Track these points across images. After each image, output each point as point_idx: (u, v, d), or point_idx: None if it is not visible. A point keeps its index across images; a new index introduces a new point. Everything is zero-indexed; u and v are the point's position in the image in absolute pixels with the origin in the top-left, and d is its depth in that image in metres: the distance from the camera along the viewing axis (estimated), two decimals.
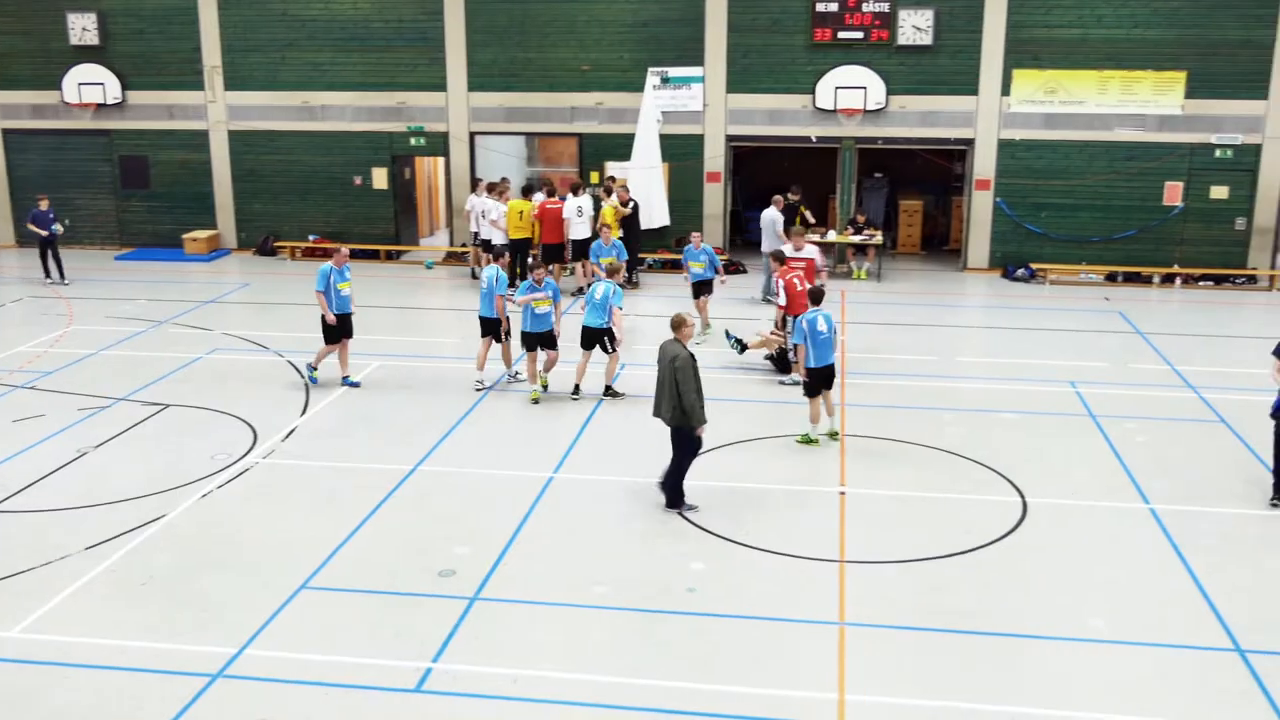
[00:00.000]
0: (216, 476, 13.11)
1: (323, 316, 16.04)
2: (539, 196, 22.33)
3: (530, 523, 11.89)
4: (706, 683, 8.98)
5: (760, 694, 8.82)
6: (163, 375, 16.89)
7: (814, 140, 24.57)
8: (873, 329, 19.56)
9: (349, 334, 16.26)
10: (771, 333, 17.40)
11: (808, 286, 15.80)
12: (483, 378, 16.27)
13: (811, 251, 18.09)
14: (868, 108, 23.84)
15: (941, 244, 27.57)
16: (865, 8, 23.63)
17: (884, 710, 8.68)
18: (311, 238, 26.36)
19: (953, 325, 20.66)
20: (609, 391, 15.87)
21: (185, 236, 26.46)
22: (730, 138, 24.87)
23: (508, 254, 17.70)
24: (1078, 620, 9.97)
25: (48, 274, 23.06)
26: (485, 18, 24.89)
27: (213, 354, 18.10)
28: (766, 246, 21.35)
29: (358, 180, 26.21)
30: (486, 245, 22.69)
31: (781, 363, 16.82)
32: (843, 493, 12.72)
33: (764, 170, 27.38)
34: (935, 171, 27.66)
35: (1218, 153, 23.40)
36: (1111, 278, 23.95)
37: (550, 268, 17.57)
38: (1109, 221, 24.00)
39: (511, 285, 16.43)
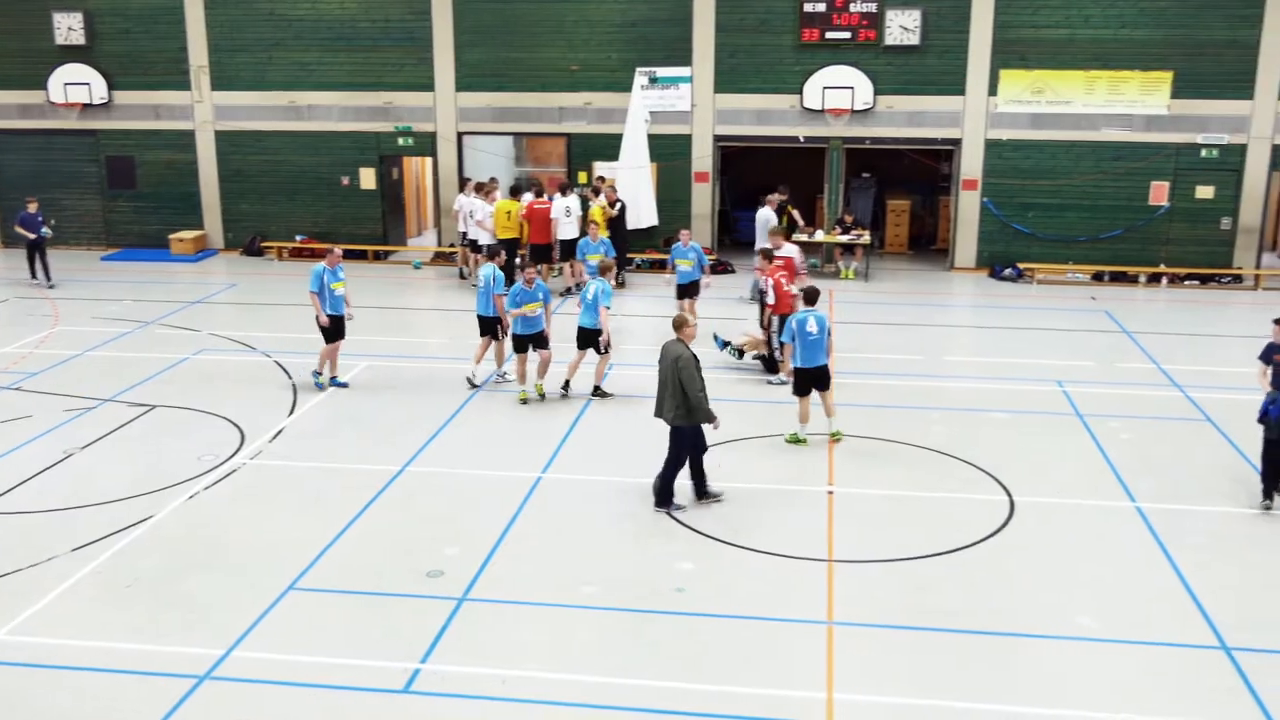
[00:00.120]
0: (203, 478, 13.07)
1: (317, 318, 15.97)
2: (527, 197, 22.32)
3: (518, 523, 11.88)
4: (695, 683, 8.98)
5: (749, 693, 8.83)
6: (149, 376, 16.84)
7: (802, 140, 24.60)
8: (860, 329, 19.58)
9: (340, 336, 16.20)
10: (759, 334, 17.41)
11: (794, 287, 15.86)
12: (476, 371, 16.29)
13: (790, 250, 18.10)
14: (855, 108, 23.87)
15: (929, 244, 27.62)
16: (852, 8, 23.66)
17: (873, 709, 8.70)
18: (299, 238, 26.31)
19: (940, 325, 20.70)
20: (597, 392, 15.86)
21: (172, 237, 26.38)
22: (718, 138, 24.88)
23: (504, 252, 17.68)
24: (1065, 618, 10.00)
25: (34, 274, 22.96)
26: (473, 17, 24.87)
27: (199, 355, 18.04)
28: (761, 246, 21.41)
29: (345, 180, 26.16)
30: (474, 245, 22.74)
31: (770, 362, 16.84)
32: (831, 492, 12.73)
33: (752, 170, 27.41)
34: (923, 171, 27.71)
35: (1203, 152, 23.49)
36: (1098, 277, 24.03)
37: (539, 268, 17.56)
38: (1095, 221, 24.07)
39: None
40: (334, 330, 16.08)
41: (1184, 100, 23.25)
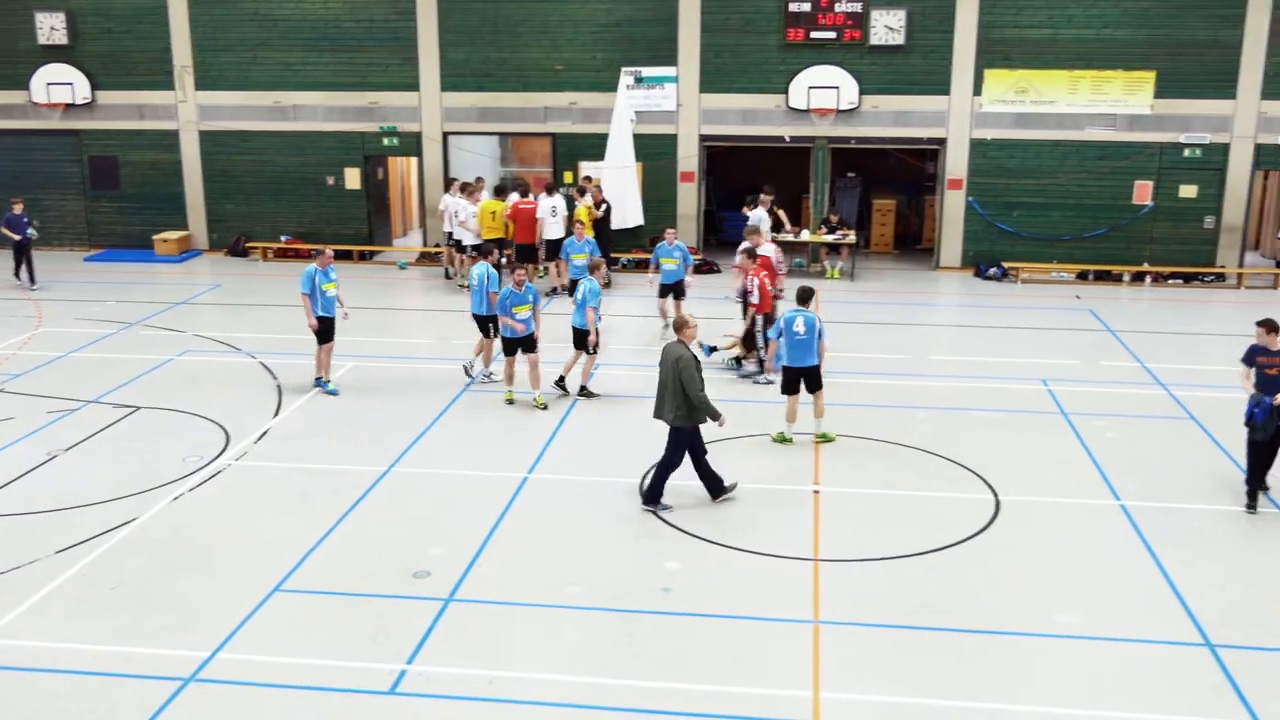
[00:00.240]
0: (188, 479, 13.03)
1: (318, 319, 15.88)
2: (513, 197, 22.31)
3: (505, 523, 11.87)
4: (682, 682, 8.99)
5: (735, 692, 8.84)
6: (134, 377, 16.77)
7: (787, 140, 24.63)
8: (846, 328, 19.60)
9: (330, 338, 16.13)
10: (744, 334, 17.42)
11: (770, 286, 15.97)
12: (474, 362, 16.53)
13: (769, 250, 18.12)
14: (840, 107, 23.91)
15: (914, 243, 27.68)
16: (837, 8, 23.70)
17: (858, 707, 8.72)
18: (284, 238, 26.24)
19: (925, 324, 20.76)
20: (584, 391, 15.86)
21: (156, 237, 26.28)
22: (704, 137, 24.90)
23: (497, 251, 17.69)
24: (1050, 616, 10.04)
25: (18, 275, 22.81)
26: (457, 17, 24.83)
27: (184, 356, 17.98)
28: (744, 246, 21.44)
29: (330, 180, 26.09)
30: (459, 245, 22.73)
31: (761, 363, 16.88)
32: (817, 491, 12.76)
33: (737, 170, 27.43)
34: (908, 171, 27.77)
35: (1186, 152, 23.60)
36: (1082, 276, 24.12)
37: (525, 268, 17.52)
38: (1080, 220, 24.17)
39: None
40: (324, 332, 16.01)
41: (1167, 100, 23.35)
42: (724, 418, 12.08)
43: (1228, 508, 12.31)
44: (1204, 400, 15.78)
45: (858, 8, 23.62)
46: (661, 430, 13.89)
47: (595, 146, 24.44)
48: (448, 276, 23.90)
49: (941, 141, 24.31)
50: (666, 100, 24.65)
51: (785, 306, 15.33)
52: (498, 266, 17.26)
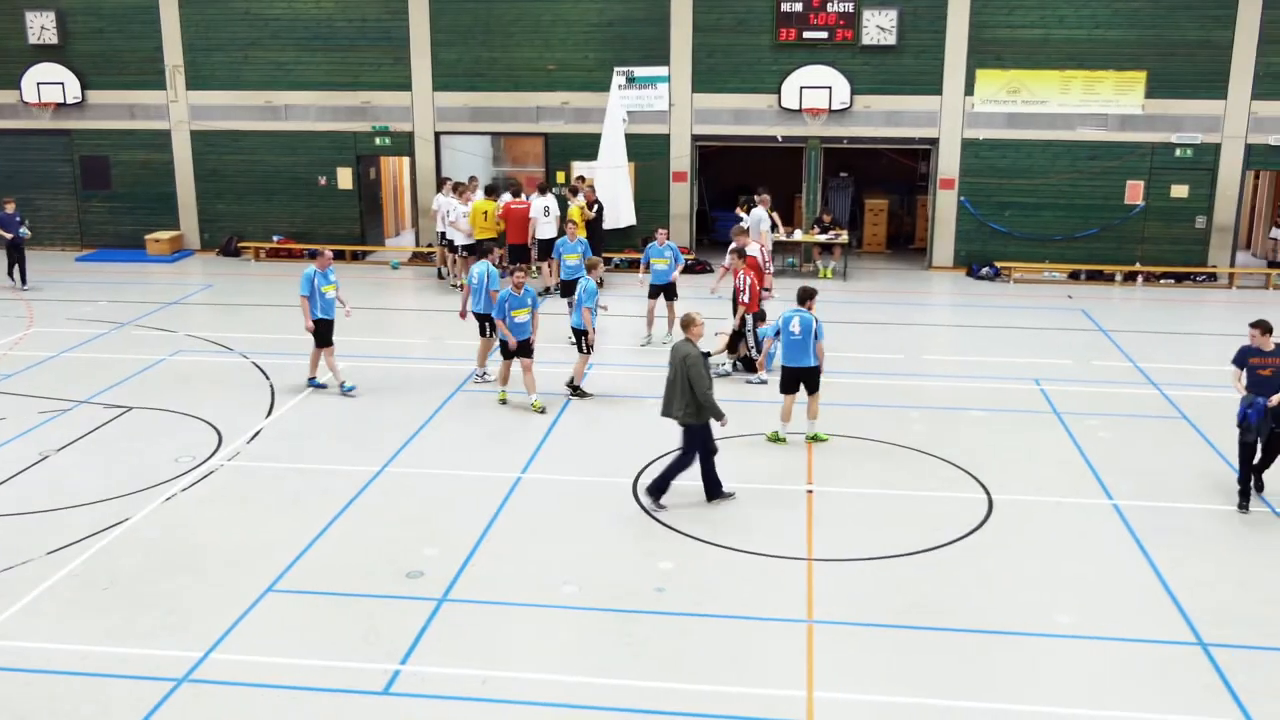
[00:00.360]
0: (181, 479, 13.00)
1: (316, 322, 15.81)
2: (506, 197, 22.30)
3: (498, 523, 11.86)
4: (676, 682, 8.99)
5: (730, 692, 8.84)
6: (126, 377, 16.73)
7: (780, 140, 24.65)
8: (839, 327, 19.59)
9: (329, 341, 16.07)
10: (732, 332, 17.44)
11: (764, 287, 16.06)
12: (486, 369, 16.62)
13: (754, 250, 18.13)
14: (833, 107, 23.94)
15: (907, 243, 27.72)
16: (829, 8, 23.72)
17: (853, 707, 8.72)
18: (276, 238, 26.20)
19: (918, 323, 20.78)
20: (577, 391, 15.85)
21: (148, 237, 26.22)
22: (696, 137, 24.90)
23: (496, 250, 17.69)
24: (1043, 616, 10.05)
25: (11, 275, 22.69)
26: (449, 17, 24.81)
27: (176, 356, 17.94)
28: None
29: (322, 180, 26.05)
30: (452, 245, 22.71)
31: (749, 361, 16.89)
32: (811, 491, 12.76)
33: (729, 170, 27.46)
34: (900, 171, 27.82)
35: (1178, 152, 23.66)
36: (1074, 276, 24.16)
37: (523, 269, 17.49)
38: (1071, 220, 24.21)
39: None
40: (324, 335, 15.95)
41: (1158, 100, 23.41)
42: (726, 418, 12.09)
43: (1220, 506, 12.34)
44: (1196, 400, 15.82)
45: (849, 8, 23.64)
46: (655, 430, 13.94)
47: (588, 146, 24.43)
48: (440, 276, 23.88)
49: (933, 141, 24.34)
50: (659, 100, 24.65)
51: (775, 306, 15.29)
52: (500, 266, 17.25)
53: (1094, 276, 24.12)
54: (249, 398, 15.87)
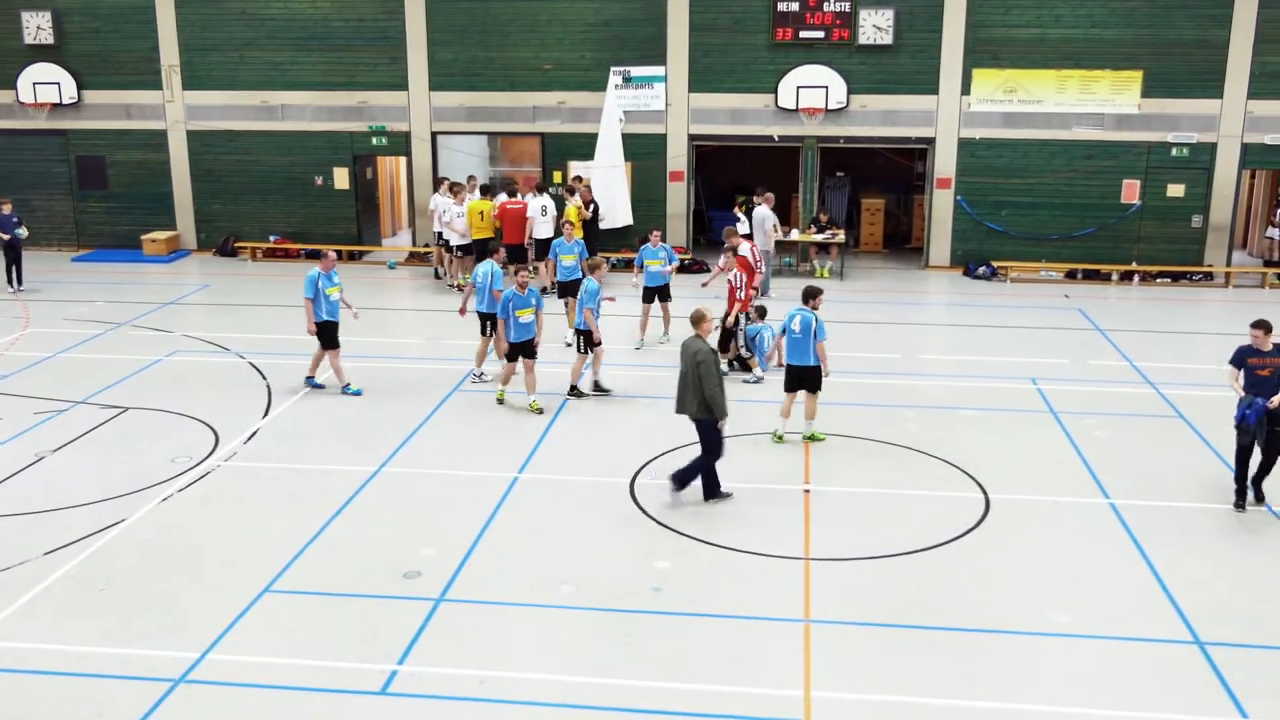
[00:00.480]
0: (177, 480, 12.98)
1: (319, 324, 15.77)
2: (501, 197, 22.29)
3: (496, 523, 11.86)
4: (674, 681, 8.99)
5: (727, 691, 8.85)
6: (122, 378, 16.71)
7: (776, 139, 24.65)
8: (836, 327, 19.56)
9: (335, 343, 16.03)
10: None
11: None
12: (490, 372, 16.52)
13: (744, 249, 18.14)
14: (829, 107, 23.94)
15: (903, 242, 27.72)
16: (826, 7, 23.72)
17: (850, 706, 8.73)
18: (272, 238, 26.18)
19: (915, 323, 20.79)
20: (573, 391, 15.85)
21: (144, 237, 26.19)
22: (693, 137, 24.90)
23: (503, 250, 17.66)
24: (1040, 615, 10.06)
25: (9, 279, 22.59)
26: (446, 16, 24.80)
27: (173, 356, 17.92)
28: (759, 245, 21.53)
29: (319, 180, 26.03)
30: (449, 245, 22.70)
31: (742, 361, 16.94)
32: (807, 491, 12.77)
33: (726, 169, 27.47)
34: (897, 170, 27.83)
35: (1174, 151, 23.68)
36: (1071, 275, 24.18)
37: (527, 269, 17.53)
38: (1068, 219, 24.23)
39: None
40: (330, 337, 15.91)
41: (1154, 99, 23.42)
42: (727, 419, 12.10)
43: (1216, 505, 12.35)
44: (1192, 399, 15.83)
45: (846, 7, 23.65)
46: (653, 430, 13.96)
47: (584, 146, 24.43)
48: (437, 276, 23.87)
49: (930, 141, 24.35)
50: (655, 100, 24.65)
51: (782, 306, 15.28)
52: (504, 266, 17.22)
53: (1090, 276, 24.13)
54: (246, 398, 15.85)
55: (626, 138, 24.05)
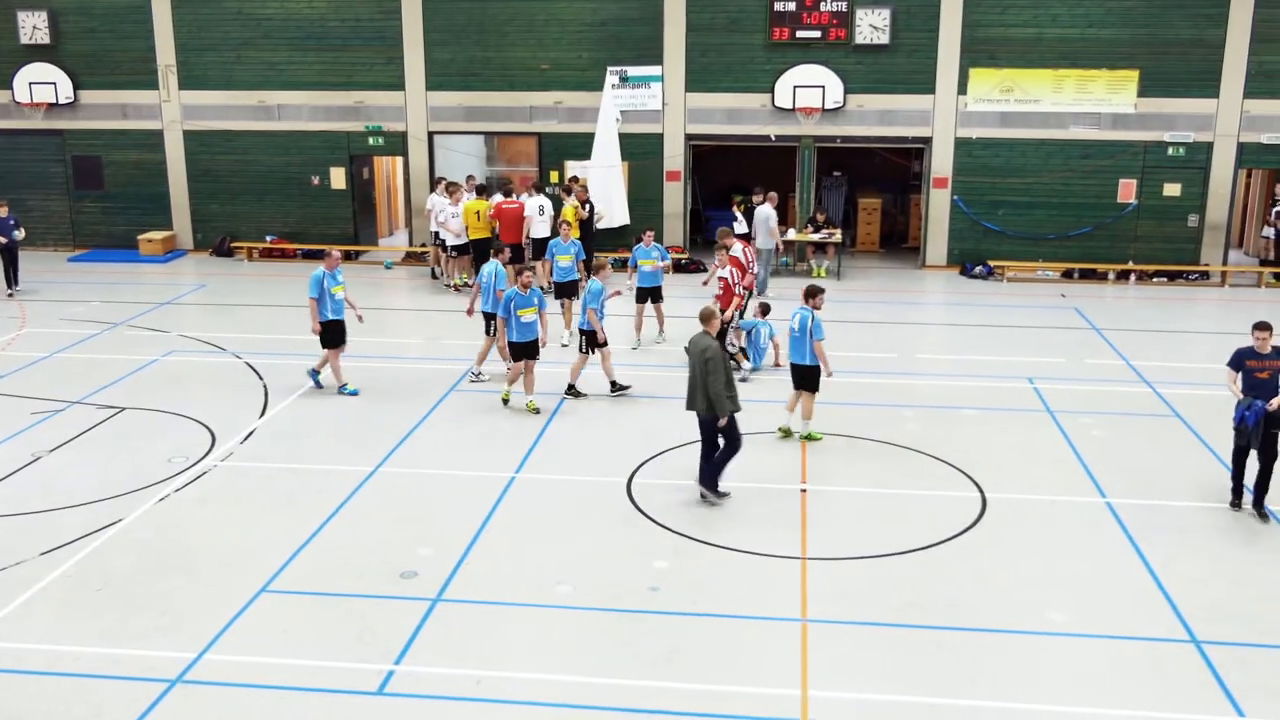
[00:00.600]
0: (174, 480, 12.97)
1: (324, 324, 15.74)
2: (497, 197, 22.28)
3: (493, 523, 11.85)
4: (671, 681, 8.99)
5: (724, 691, 8.84)
6: (118, 378, 16.69)
7: (773, 139, 24.66)
8: (833, 326, 19.56)
9: (342, 341, 16.02)
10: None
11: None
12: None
13: (737, 249, 18.15)
14: (826, 106, 23.95)
15: (900, 242, 27.73)
16: (823, 7, 23.73)
17: (847, 705, 8.72)
18: (269, 238, 26.16)
19: (912, 322, 20.80)
20: (572, 391, 15.85)
21: (140, 237, 26.17)
22: (689, 136, 24.90)
23: (508, 250, 17.64)
24: (1037, 614, 10.07)
25: (8, 282, 22.50)
26: (443, 16, 24.79)
27: (169, 356, 17.90)
28: (761, 243, 21.62)
29: (315, 180, 26.02)
30: (445, 245, 22.69)
31: (733, 358, 16.98)
32: (804, 490, 12.76)
33: (723, 169, 27.47)
34: (893, 170, 27.84)
35: (1170, 150, 23.70)
36: (1068, 274, 24.19)
37: (530, 269, 17.53)
38: (1065, 219, 24.25)
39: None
40: (336, 336, 15.90)
41: (1151, 99, 23.44)
42: (726, 419, 12.07)
43: (1212, 505, 12.35)
44: (1189, 398, 15.84)
45: (843, 7, 23.66)
46: (651, 430, 13.95)
47: (581, 146, 24.43)
48: (434, 276, 23.86)
49: (927, 140, 24.36)
50: (652, 99, 24.65)
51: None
52: (508, 266, 17.22)
53: (1087, 275, 24.14)
54: (242, 398, 15.84)
55: (623, 137, 24.05)
